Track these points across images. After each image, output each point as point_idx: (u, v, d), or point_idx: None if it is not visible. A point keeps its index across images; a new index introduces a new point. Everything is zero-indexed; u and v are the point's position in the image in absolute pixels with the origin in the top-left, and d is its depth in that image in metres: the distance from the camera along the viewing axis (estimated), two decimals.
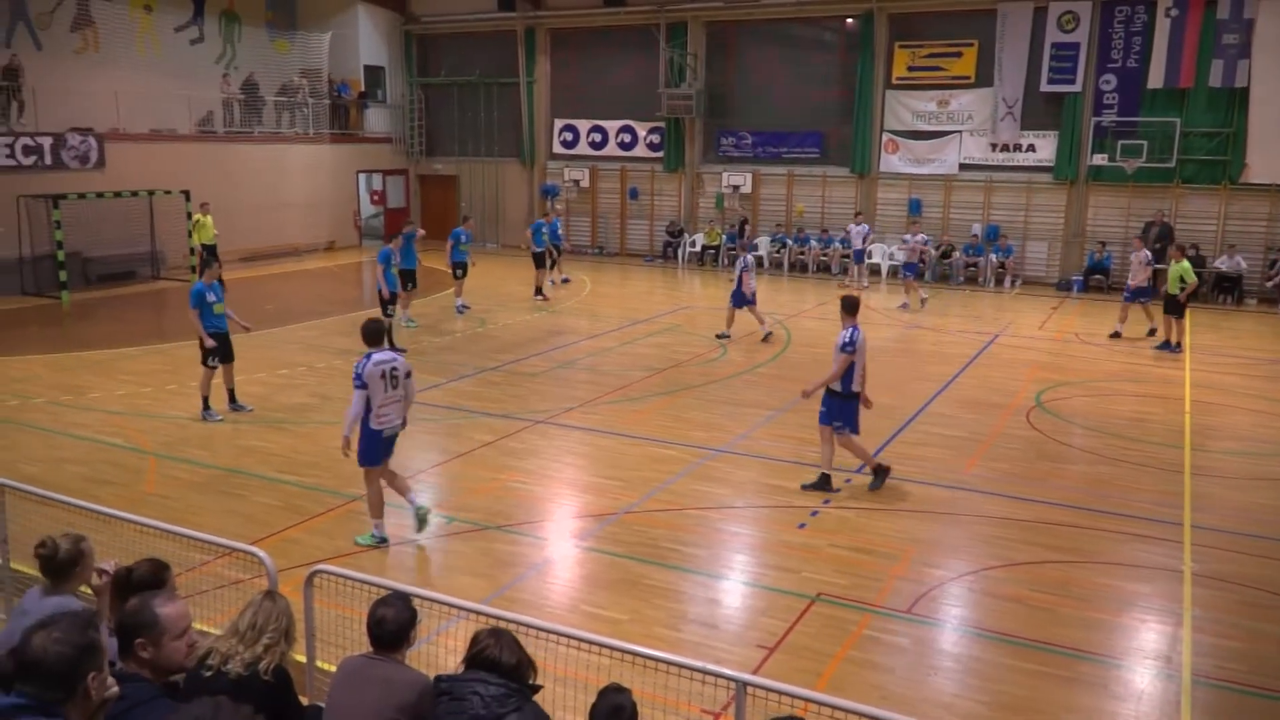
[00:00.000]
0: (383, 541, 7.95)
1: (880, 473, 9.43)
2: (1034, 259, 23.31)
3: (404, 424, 8.11)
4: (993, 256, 22.85)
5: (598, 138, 27.95)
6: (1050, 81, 22.39)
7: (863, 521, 8.53)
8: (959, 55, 23.29)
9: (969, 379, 13.90)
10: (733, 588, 7.42)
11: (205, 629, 5.49)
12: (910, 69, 23.83)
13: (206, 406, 11.39)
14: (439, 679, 3.86)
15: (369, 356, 7.72)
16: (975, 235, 23.21)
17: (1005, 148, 23.19)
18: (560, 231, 22.48)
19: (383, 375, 7.72)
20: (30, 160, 20.49)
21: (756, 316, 16.27)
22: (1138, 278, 16.79)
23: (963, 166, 23.62)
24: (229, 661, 3.91)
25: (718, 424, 11.42)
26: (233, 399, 11.69)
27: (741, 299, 16.16)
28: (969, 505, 9.00)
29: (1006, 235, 23.10)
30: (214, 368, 11.36)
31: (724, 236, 25.68)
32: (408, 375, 7.94)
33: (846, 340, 9.28)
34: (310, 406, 12.06)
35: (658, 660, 4.10)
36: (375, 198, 30.67)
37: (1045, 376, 14.04)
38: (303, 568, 6.24)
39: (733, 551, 8.07)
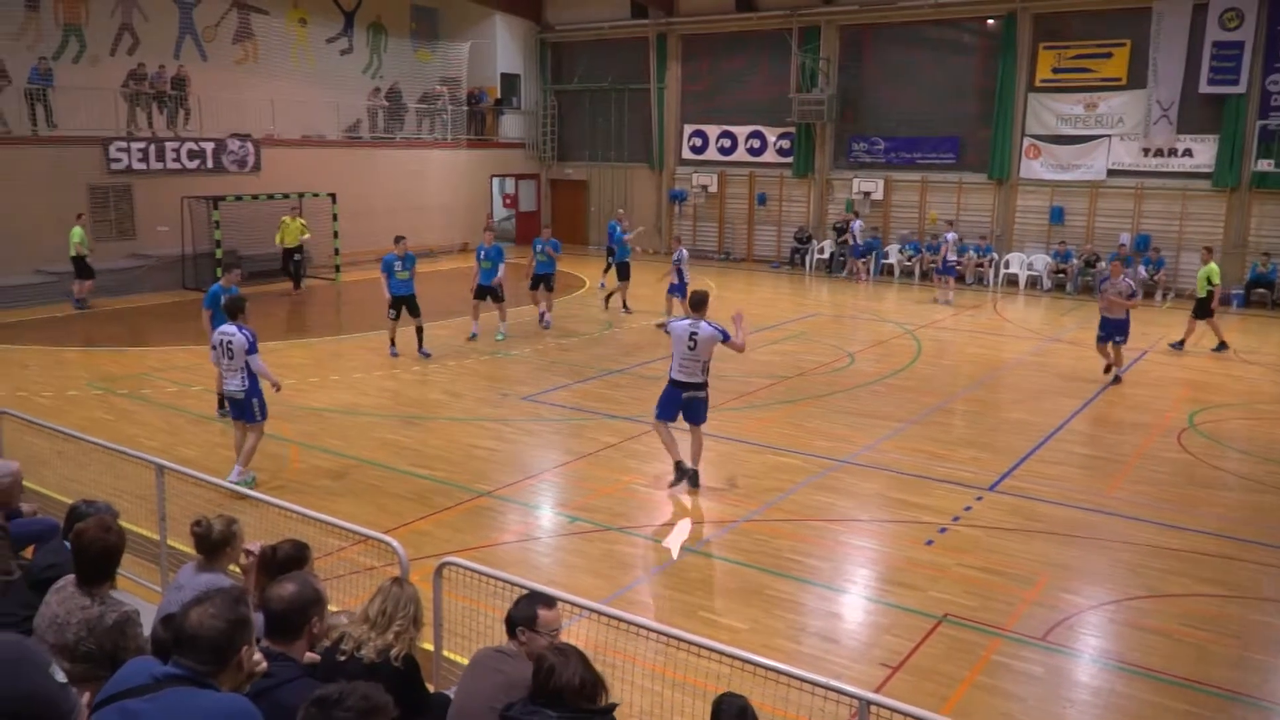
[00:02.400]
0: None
1: (681, 473, 9.25)
2: (1188, 271, 22.07)
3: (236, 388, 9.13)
4: (1142, 268, 21.74)
5: (727, 143, 27.91)
6: (1211, 83, 21.19)
7: (994, 542, 8.24)
8: (1109, 56, 22.30)
9: (1112, 396, 13.27)
10: (855, 602, 7.28)
11: (336, 609, 5.72)
12: (1055, 71, 22.94)
13: (220, 404, 11.40)
14: (502, 712, 3.71)
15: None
16: (1123, 245, 22.14)
17: (1159, 153, 22.09)
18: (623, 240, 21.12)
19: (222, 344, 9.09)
20: (194, 164, 21.81)
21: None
22: None
23: (1111, 172, 22.59)
24: (362, 648, 4.06)
25: (842, 434, 11.23)
26: (221, 404, 11.33)
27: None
28: (1110, 530, 8.58)
29: (1158, 246, 21.99)
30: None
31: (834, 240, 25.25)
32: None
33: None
34: (441, 403, 12.42)
35: (778, 672, 4.05)
36: (507, 201, 31.40)
37: (1200, 397, 13.29)
38: (431, 559, 6.43)
39: (856, 565, 7.91)
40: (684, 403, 9.27)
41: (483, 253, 15.80)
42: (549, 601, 4.24)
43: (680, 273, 17.16)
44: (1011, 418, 12.22)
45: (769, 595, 7.17)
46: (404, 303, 14.40)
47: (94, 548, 3.97)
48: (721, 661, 4.28)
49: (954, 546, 8.10)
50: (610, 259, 21.06)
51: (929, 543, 8.18)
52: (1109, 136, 22.49)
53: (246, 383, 9.10)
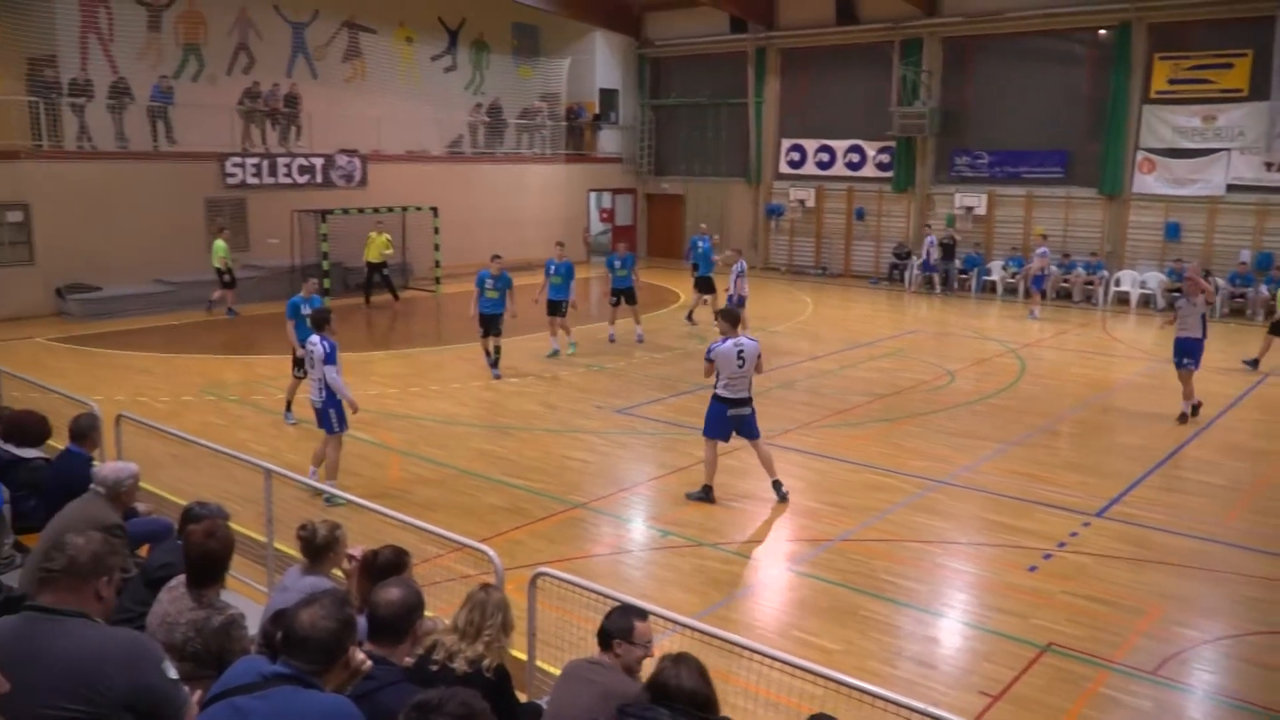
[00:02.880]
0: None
1: (706, 491, 9.32)
2: None
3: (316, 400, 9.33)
4: (1263, 288, 20.73)
5: (825, 157, 27.64)
6: None
7: (1102, 570, 7.93)
8: (1229, 66, 21.38)
9: (1233, 422, 12.66)
10: (953, 627, 7.09)
11: (433, 616, 5.82)
12: (1171, 82, 22.09)
13: (288, 409, 11.91)
14: (622, 710, 3.80)
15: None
16: (1244, 263, 21.18)
17: None
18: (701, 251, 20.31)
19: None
20: (304, 178, 22.64)
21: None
22: None
23: (1230, 188, 21.61)
24: (454, 659, 4.11)
25: (941, 454, 10.97)
26: (288, 409, 11.98)
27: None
28: (1228, 561, 8.18)
29: None
30: (300, 377, 11.47)
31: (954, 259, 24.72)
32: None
33: (710, 349, 9.36)
34: (536, 414, 12.56)
35: (873, 695, 3.96)
36: (604, 215, 31.68)
37: None
38: (525, 568, 6.50)
39: (954, 589, 7.71)
40: (734, 420, 9.33)
41: (553, 268, 15.76)
42: (642, 614, 4.26)
43: (738, 284, 16.95)
44: (1121, 441, 11.77)
45: (864, 616, 7.04)
46: (488, 321, 14.25)
47: (198, 553, 4.11)
48: (815, 682, 4.22)
49: (1059, 573, 7.83)
50: (695, 273, 20.90)
51: (1032, 569, 7.92)
52: (1228, 150, 21.53)
53: (324, 393, 9.20)
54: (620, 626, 4.12)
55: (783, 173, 28.56)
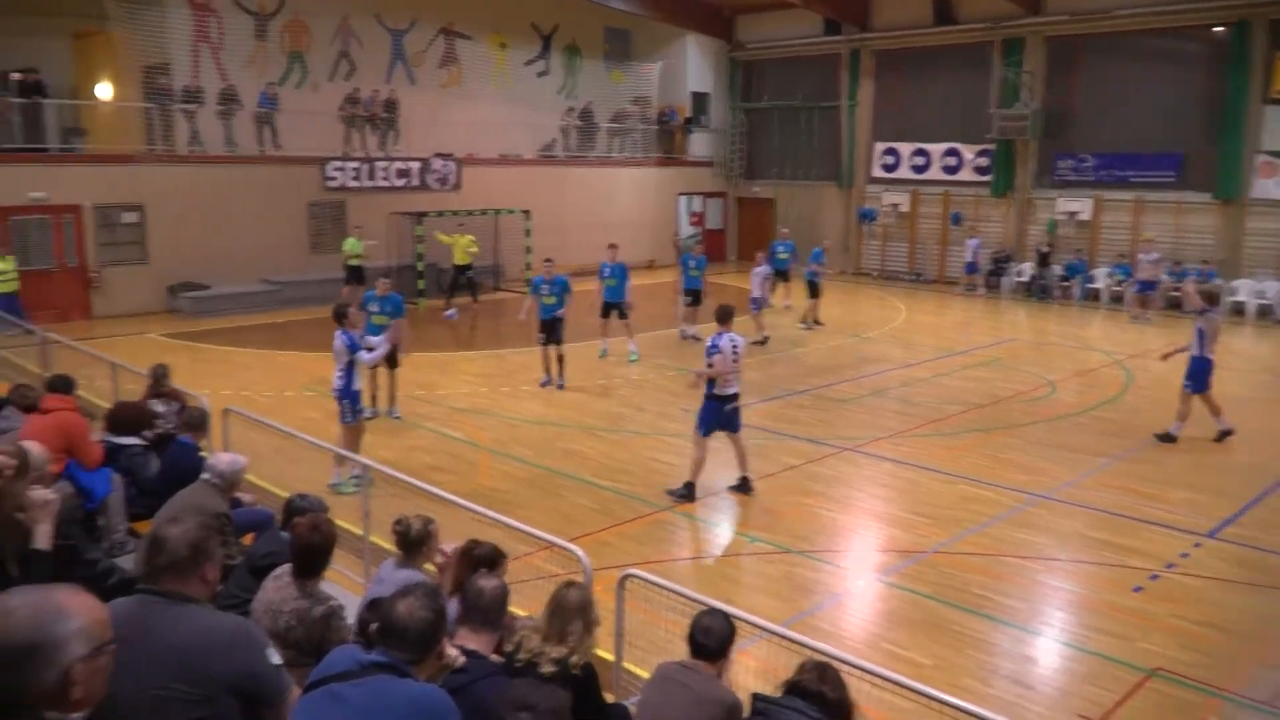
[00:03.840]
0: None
1: (689, 489, 9.40)
2: None
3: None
4: None
5: (920, 161, 27.11)
6: None
7: (1215, 594, 7.56)
8: None
9: None
10: (1052, 647, 6.85)
11: (522, 614, 5.87)
12: None
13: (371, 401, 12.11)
14: (756, 697, 3.83)
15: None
16: None
17: None
18: (783, 256, 20.68)
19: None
20: (401, 182, 23.17)
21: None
22: None
23: None
24: (539, 659, 4.13)
25: (1041, 468, 10.64)
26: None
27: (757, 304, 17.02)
28: None
29: None
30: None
31: (1056, 266, 23.98)
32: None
33: (709, 345, 9.43)
34: (624, 416, 12.59)
35: (967, 713, 3.85)
36: (694, 219, 31.65)
37: None
38: (612, 569, 6.51)
39: (1054, 607, 7.45)
40: (727, 415, 9.47)
41: (606, 270, 15.59)
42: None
43: (762, 287, 17.25)
44: (1235, 459, 11.23)
45: (956, 632, 6.86)
46: (548, 327, 13.81)
47: (302, 545, 4.24)
48: (905, 696, 4.13)
49: (1167, 595, 7.50)
50: (776, 280, 21.05)
51: (1137, 589, 7.61)
52: None
53: (341, 383, 9.53)
54: (730, 636, 4.15)
55: (876, 176, 28.11)
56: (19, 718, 2.02)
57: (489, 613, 3.78)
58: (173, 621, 2.98)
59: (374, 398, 12.16)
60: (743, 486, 9.63)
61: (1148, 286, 20.86)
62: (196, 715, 2.90)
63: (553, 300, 13.83)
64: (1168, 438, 11.57)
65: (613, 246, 16.27)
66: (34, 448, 4.27)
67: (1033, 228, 25.04)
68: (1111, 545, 8.49)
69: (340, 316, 9.62)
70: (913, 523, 9.00)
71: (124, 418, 6.89)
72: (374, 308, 11.96)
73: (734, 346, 9.30)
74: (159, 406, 8.19)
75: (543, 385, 13.96)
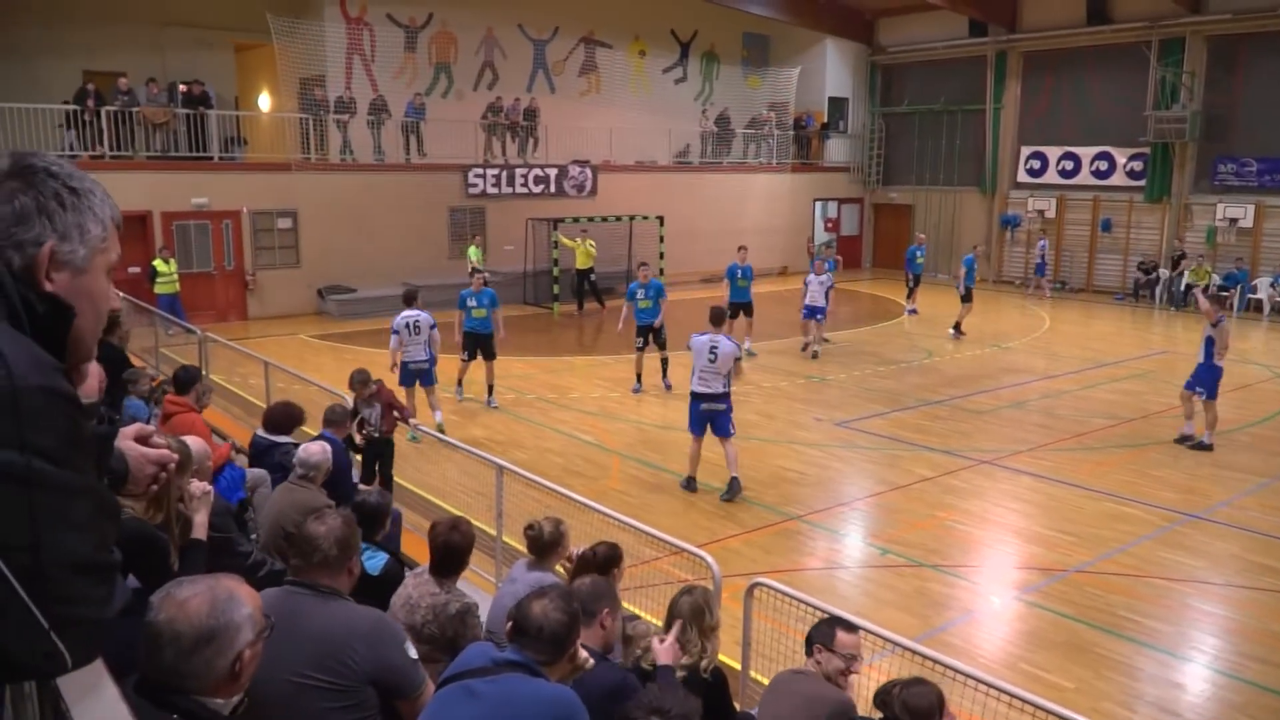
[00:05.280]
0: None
1: (689, 482, 9.78)
2: None
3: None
4: None
5: (1069, 165, 26.03)
6: None
7: None
8: None
9: None
10: (1201, 673, 6.51)
11: (649, 619, 5.94)
12: None
13: (459, 385, 13.42)
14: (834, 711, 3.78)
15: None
16: None
17: None
18: (920, 261, 21.19)
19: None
20: (539, 189, 23.69)
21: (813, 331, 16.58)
22: None
23: None
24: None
25: (1194, 486, 10.10)
26: (489, 391, 13.40)
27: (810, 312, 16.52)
28: None
29: None
30: (467, 361, 13.10)
31: (1212, 276, 22.63)
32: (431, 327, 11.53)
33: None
34: (753, 423, 12.53)
35: None
36: (829, 225, 31.24)
37: None
38: (740, 577, 6.52)
39: (1204, 633, 7.08)
40: (705, 415, 9.67)
41: (640, 292, 14.21)
42: (850, 626, 4.19)
43: (816, 294, 16.53)
44: None
45: (1099, 654, 6.59)
46: (649, 332, 13.88)
47: (440, 544, 4.36)
48: (1044, 719, 4.00)
49: None
50: (910, 284, 21.36)
51: None
52: None
53: (429, 353, 11.48)
54: (823, 633, 4.09)
55: (1021, 182, 27.15)
56: (177, 704, 2.11)
57: (545, 644, 2.94)
58: (316, 613, 3.14)
59: (459, 381, 13.42)
60: (731, 492, 9.55)
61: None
62: (336, 705, 3.05)
63: (649, 304, 13.94)
64: (1201, 446, 11.32)
65: (742, 249, 16.65)
66: (194, 441, 4.55)
67: (1190, 234, 23.71)
68: (1270, 570, 8.00)
69: (412, 298, 11.77)
70: (1053, 540, 8.68)
71: (277, 416, 7.28)
72: (472, 303, 12.90)
73: (711, 348, 9.49)
74: (364, 409, 8.73)
75: (635, 392, 14.01)
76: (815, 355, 16.55)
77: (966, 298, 18.73)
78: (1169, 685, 6.35)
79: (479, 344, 13.05)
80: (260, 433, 7.27)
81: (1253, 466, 10.78)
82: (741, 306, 15.96)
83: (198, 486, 3.72)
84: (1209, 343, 11.44)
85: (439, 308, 20.74)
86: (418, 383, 11.54)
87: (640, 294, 14.03)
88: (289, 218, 20.71)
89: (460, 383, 13.47)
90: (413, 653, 3.26)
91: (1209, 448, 11.34)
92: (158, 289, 17.47)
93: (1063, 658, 6.54)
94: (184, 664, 2.10)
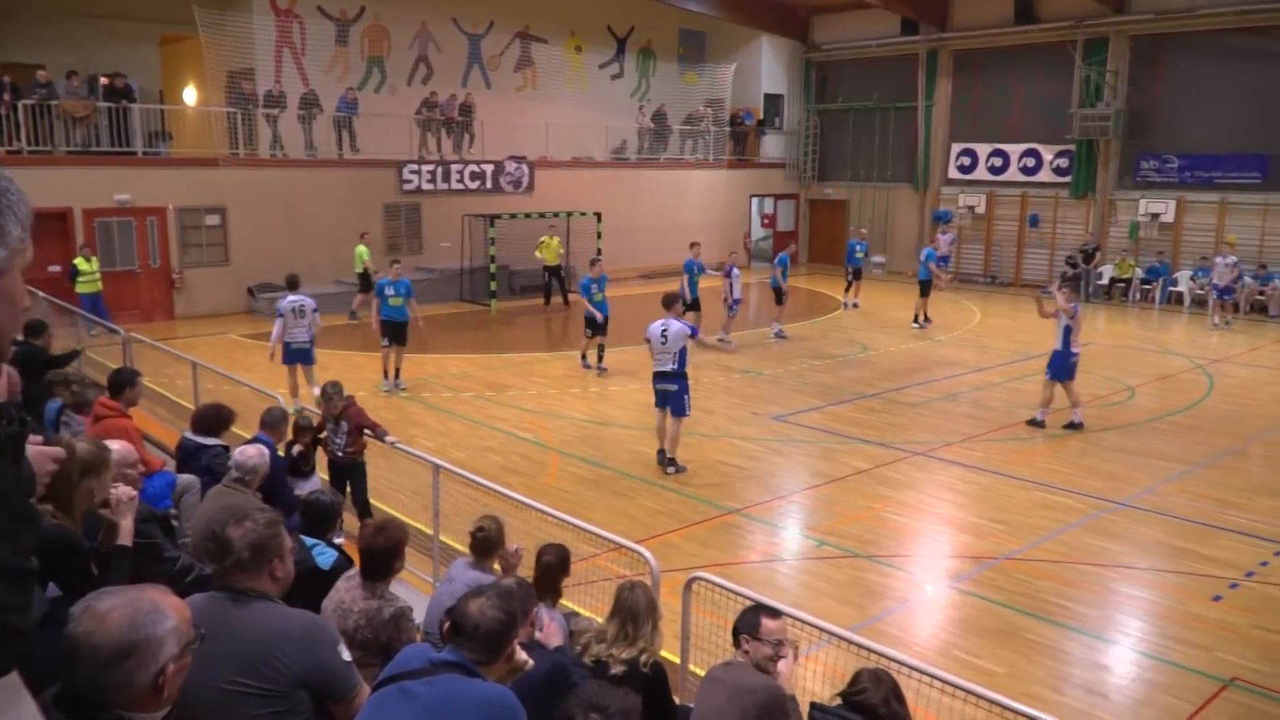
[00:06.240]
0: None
1: (660, 455, 10.35)
2: None
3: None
4: None
5: (998, 162, 26.60)
6: None
7: None
8: None
9: None
10: (1127, 655, 6.70)
11: (589, 615, 5.94)
12: None
13: (385, 376, 13.91)
14: (814, 706, 3.82)
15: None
16: None
17: None
18: (860, 256, 22.08)
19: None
20: (475, 184, 23.50)
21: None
22: None
23: None
24: (609, 661, 4.18)
25: (1118, 474, 10.39)
26: (396, 375, 13.90)
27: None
28: None
29: None
30: (387, 347, 13.65)
31: (1136, 269, 23.35)
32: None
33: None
34: (692, 419, 12.46)
35: None
36: (766, 221, 31.51)
37: None
38: (679, 572, 6.55)
39: (1129, 616, 7.29)
40: (660, 393, 10.40)
41: (697, 267, 16.69)
42: (773, 612, 4.22)
43: (731, 289, 17.39)
44: None
45: (1029, 639, 6.75)
46: (597, 323, 14.83)
47: (365, 548, 4.27)
48: (976, 704, 4.10)
49: (1247, 605, 7.30)
50: (850, 278, 22.04)
51: (1216, 598, 7.41)
52: None
53: (310, 335, 12.41)
54: (748, 622, 4.10)
55: (952, 178, 27.67)
56: (97, 718, 2.04)
57: (482, 644, 2.94)
58: (244, 618, 3.06)
59: (385, 372, 13.89)
60: (665, 464, 10.30)
61: (1226, 292, 20.15)
62: (266, 710, 2.98)
63: (600, 297, 14.92)
64: (1073, 425, 11.99)
65: (695, 245, 17.52)
66: (118, 445, 4.43)
67: (1113, 229, 24.40)
68: (1190, 553, 8.27)
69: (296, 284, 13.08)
70: (985, 528, 8.87)
71: (206, 418, 7.11)
72: (389, 291, 13.59)
73: (662, 331, 10.23)
74: (329, 426, 8.18)
75: (586, 367, 15.21)
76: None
77: (924, 291, 19.47)
78: (1096, 668, 6.53)
79: (394, 331, 13.65)
80: (189, 435, 7.10)
81: (1175, 454, 11.12)
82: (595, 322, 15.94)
83: (123, 491, 3.62)
84: (1067, 331, 12.01)
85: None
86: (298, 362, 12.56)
87: (594, 288, 14.88)
88: (217, 214, 20.24)
89: (386, 374, 13.91)
90: (346, 655, 3.20)
91: (1079, 426, 11.99)
92: (79, 288, 16.93)
93: (994, 643, 6.69)
94: (103, 678, 2.03)
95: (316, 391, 11.85)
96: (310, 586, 4.38)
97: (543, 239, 22.18)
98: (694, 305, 16.72)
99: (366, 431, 8.22)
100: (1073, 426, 12.02)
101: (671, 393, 10.29)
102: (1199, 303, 22.02)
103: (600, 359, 15.21)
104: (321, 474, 8.18)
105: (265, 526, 3.24)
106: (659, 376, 10.37)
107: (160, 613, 2.11)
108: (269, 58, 21.63)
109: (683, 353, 10.27)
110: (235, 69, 20.77)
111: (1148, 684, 6.29)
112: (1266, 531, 8.72)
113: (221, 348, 16.51)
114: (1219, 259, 20.42)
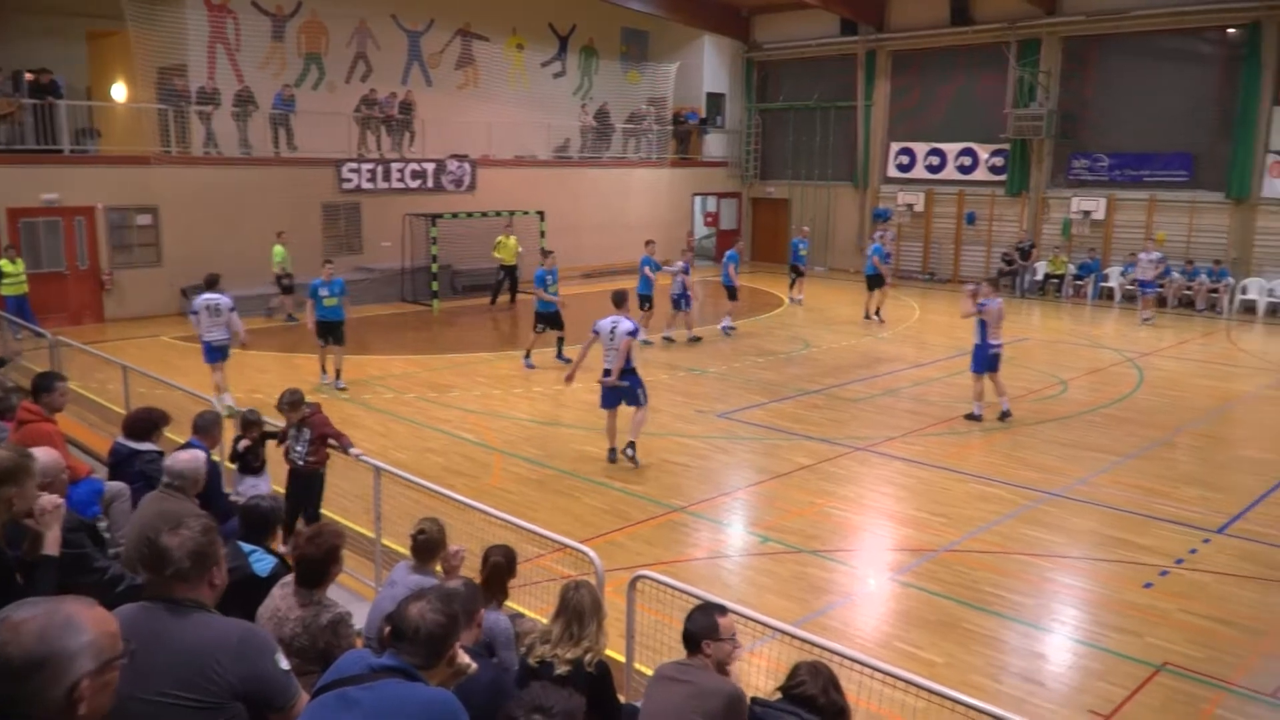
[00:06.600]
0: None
1: (610, 454, 10.52)
2: None
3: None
4: None
5: (935, 161, 27.05)
6: None
7: (1224, 589, 7.57)
8: None
9: None
10: (1062, 643, 6.86)
11: (533, 616, 5.92)
12: None
13: (324, 371, 14.02)
14: (754, 701, 3.87)
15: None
16: None
17: None
18: (803, 253, 22.55)
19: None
20: (416, 183, 23.25)
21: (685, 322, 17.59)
22: None
23: None
24: (553, 662, 4.17)
25: (1053, 466, 10.64)
26: (337, 376, 13.97)
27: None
28: None
29: None
30: (324, 345, 13.79)
31: (1069, 266, 23.92)
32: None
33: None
34: None
35: (977, 710, 3.88)
36: (709, 219, 31.67)
37: None
38: (624, 570, 6.56)
39: (1064, 604, 7.46)
40: (614, 391, 10.46)
41: (654, 265, 17.04)
42: (722, 609, 4.24)
43: (683, 285, 17.61)
44: (1245, 455, 11.22)
45: (967, 629, 6.88)
46: (550, 318, 15.19)
47: (298, 556, 4.20)
48: (916, 694, 4.16)
49: (1176, 591, 7.51)
50: (794, 275, 22.48)
51: (1148, 585, 7.62)
52: None
53: (225, 333, 12.47)
54: (706, 625, 4.11)
55: (891, 176, 28.07)
56: None
57: (422, 648, 2.93)
58: (178, 628, 2.98)
59: (324, 368, 14.03)
60: (626, 451, 10.42)
61: (1149, 286, 20.70)
62: None
63: (555, 289, 15.35)
64: (1004, 414, 12.39)
65: (650, 242, 17.89)
66: (44, 453, 4.31)
67: (1047, 226, 24.94)
68: (1122, 542, 8.49)
69: (214, 282, 12.84)
70: (925, 521, 9.02)
71: (138, 422, 6.92)
72: (324, 292, 13.61)
73: (612, 328, 10.34)
74: (290, 435, 7.78)
75: (530, 367, 15.24)
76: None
77: (871, 285, 19.99)
78: (1032, 656, 6.67)
79: (330, 331, 13.69)
80: (121, 440, 6.92)
81: (1106, 446, 11.41)
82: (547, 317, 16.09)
83: (48, 500, 3.52)
84: (983, 325, 12.49)
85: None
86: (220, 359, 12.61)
87: (549, 280, 15.31)
88: (149, 214, 19.76)
89: (324, 369, 14.03)
90: (284, 663, 3.14)
91: (1007, 414, 12.44)
92: (4, 290, 16.41)
93: (934, 634, 6.80)
94: (14, 691, 1.96)
95: (229, 400, 12.10)
96: (247, 594, 4.30)
97: (500, 238, 21.95)
98: (649, 303, 17.11)
99: (331, 441, 7.78)
100: (1004, 416, 12.34)
101: (625, 388, 10.42)
102: (1129, 298, 22.59)
103: (560, 351, 15.49)
104: (278, 486, 7.95)
105: (202, 534, 3.16)
106: (608, 375, 10.42)
107: (74, 626, 2.04)
108: (202, 53, 21.19)
109: (629, 350, 10.35)
110: (167, 65, 20.29)
111: (1082, 670, 6.44)
112: (1195, 520, 8.98)
113: (154, 351, 16.13)
114: (1143, 255, 20.99)
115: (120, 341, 16.54)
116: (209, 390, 11.24)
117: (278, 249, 19.44)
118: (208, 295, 12.56)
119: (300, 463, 7.71)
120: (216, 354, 12.53)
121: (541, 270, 15.39)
